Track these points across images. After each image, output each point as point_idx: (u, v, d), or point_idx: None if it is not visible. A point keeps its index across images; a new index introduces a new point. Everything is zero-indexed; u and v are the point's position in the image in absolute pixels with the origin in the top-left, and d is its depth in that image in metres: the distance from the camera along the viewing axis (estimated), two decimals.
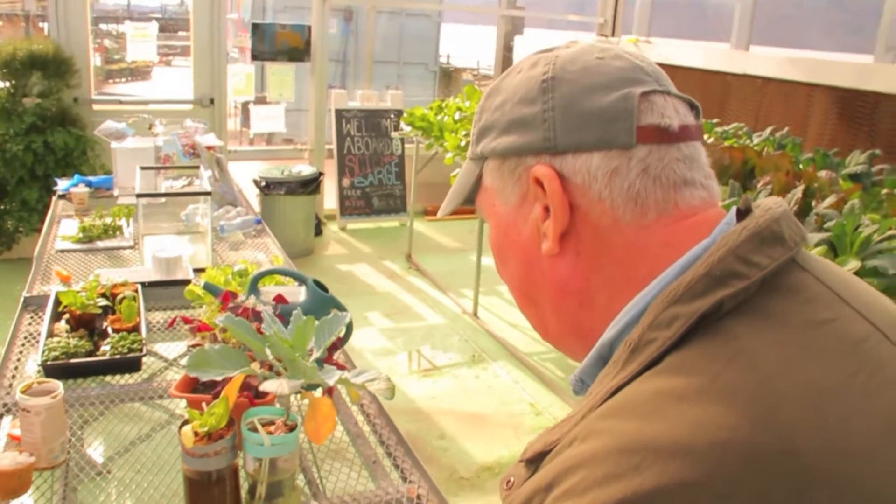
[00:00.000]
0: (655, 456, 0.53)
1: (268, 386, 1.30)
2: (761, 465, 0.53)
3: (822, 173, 3.42)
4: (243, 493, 1.46)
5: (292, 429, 1.42)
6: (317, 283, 1.97)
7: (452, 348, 4.95)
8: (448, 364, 4.72)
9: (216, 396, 1.47)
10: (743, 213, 0.70)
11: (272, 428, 1.41)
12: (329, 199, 7.29)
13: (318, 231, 6.87)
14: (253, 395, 1.53)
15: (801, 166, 3.81)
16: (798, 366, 0.59)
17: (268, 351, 1.39)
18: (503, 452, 3.77)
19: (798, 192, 2.94)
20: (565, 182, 0.72)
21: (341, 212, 7.24)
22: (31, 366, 2.11)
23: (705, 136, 4.04)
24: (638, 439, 0.55)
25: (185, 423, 1.36)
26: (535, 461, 0.67)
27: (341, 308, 1.96)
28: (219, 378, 1.29)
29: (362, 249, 6.86)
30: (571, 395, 4.23)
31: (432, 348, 4.92)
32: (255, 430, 1.39)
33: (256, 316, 1.60)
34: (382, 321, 5.30)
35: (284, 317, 1.48)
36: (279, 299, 1.78)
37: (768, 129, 4.79)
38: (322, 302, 1.91)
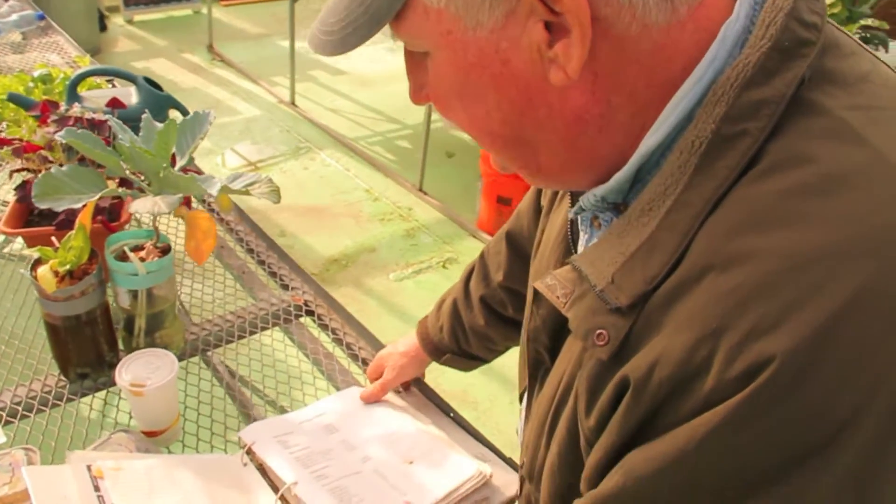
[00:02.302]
0: (829, 264, 0.47)
1: (140, 206, 1.07)
2: None
3: None
4: (118, 331, 1.27)
5: (165, 252, 1.23)
6: (148, 80, 1.68)
7: (274, 140, 4.69)
8: (273, 157, 4.49)
9: (61, 227, 1.24)
10: None
11: (142, 254, 1.21)
12: None
13: (103, 27, 6.16)
14: (107, 218, 1.30)
15: None
16: (887, 128, 0.53)
17: (123, 165, 1.15)
18: (347, 242, 3.69)
19: None
20: None
21: (125, 2, 6.53)
22: None
23: None
24: (801, 253, 0.48)
25: (38, 263, 1.13)
26: (637, 304, 0.54)
27: (181, 107, 1.71)
28: (77, 206, 1.05)
29: (157, 43, 6.25)
30: (407, 178, 4.15)
31: (252, 143, 4.64)
32: (124, 258, 1.18)
33: (94, 126, 1.33)
34: None
35: (126, 123, 1.24)
36: (115, 103, 1.49)
37: None
38: (160, 102, 1.64)
